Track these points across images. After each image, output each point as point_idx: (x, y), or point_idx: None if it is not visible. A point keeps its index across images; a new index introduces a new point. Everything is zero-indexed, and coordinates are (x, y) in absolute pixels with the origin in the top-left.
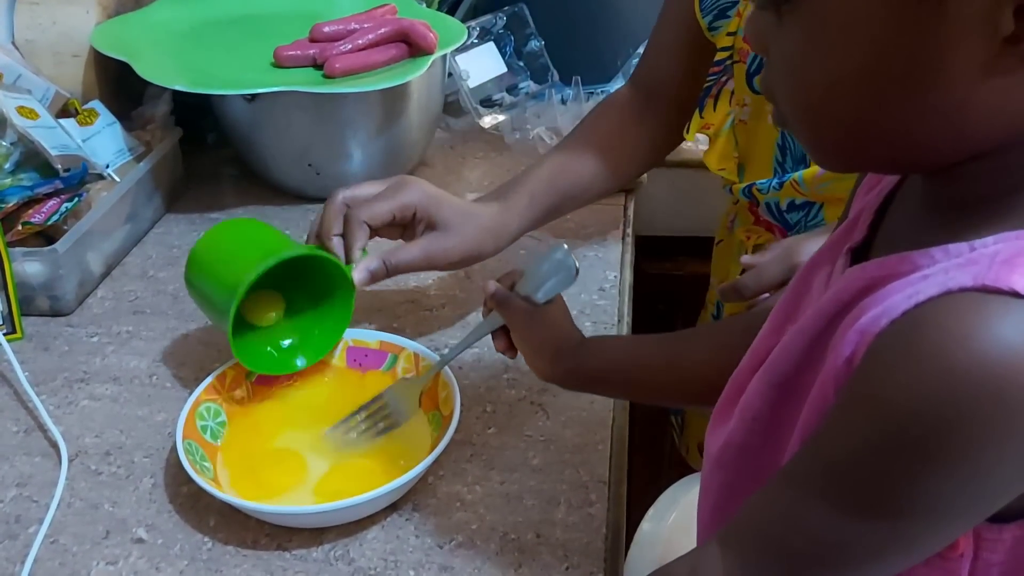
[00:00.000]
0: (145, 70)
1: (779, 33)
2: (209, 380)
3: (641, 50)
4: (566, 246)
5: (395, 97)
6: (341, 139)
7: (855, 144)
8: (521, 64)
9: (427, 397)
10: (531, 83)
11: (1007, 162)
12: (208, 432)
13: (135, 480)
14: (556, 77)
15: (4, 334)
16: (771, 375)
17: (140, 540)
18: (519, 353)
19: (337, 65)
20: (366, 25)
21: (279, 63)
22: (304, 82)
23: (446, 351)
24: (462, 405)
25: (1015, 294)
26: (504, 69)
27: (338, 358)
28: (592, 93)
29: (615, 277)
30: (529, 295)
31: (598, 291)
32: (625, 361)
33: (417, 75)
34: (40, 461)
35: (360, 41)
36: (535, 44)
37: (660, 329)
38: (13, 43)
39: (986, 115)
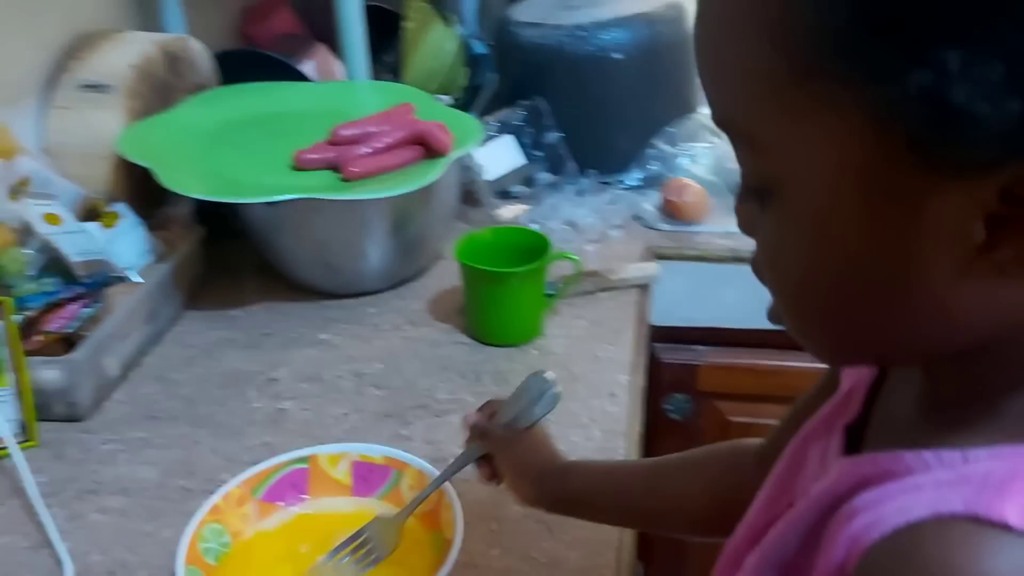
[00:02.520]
0: (167, 177)
1: (763, 220)
2: (214, 499)
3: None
4: (548, 373)
5: (411, 198)
6: (358, 240)
7: (838, 339)
8: (539, 155)
9: (429, 517)
10: (548, 175)
11: (1006, 356)
12: (211, 555)
13: None
14: (574, 168)
15: (20, 443)
16: (769, 557)
17: None
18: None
19: (355, 169)
20: (384, 128)
21: (299, 166)
22: (322, 186)
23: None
24: (466, 522)
25: (1006, 527)
26: (523, 161)
27: (344, 474)
28: (609, 183)
29: (627, 381)
30: (510, 422)
31: (608, 396)
32: (607, 487)
33: (432, 179)
34: None
35: (377, 144)
36: (553, 136)
37: (674, 437)
38: (44, 148)
39: (971, 312)
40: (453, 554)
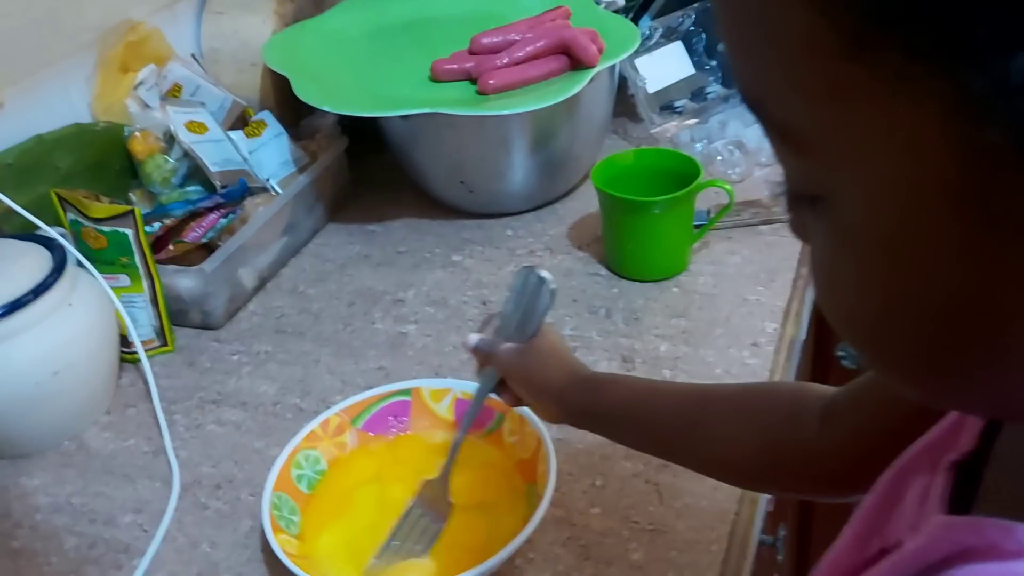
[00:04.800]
0: (302, 88)
1: (815, 227)
2: (312, 426)
3: None
4: (537, 269)
5: (553, 113)
6: (494, 158)
7: (931, 390)
8: (712, 64)
9: (527, 467)
10: (720, 87)
11: None
12: (304, 482)
13: (236, 519)
14: None
15: (156, 347)
16: None
17: None
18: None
19: (491, 81)
20: (527, 36)
21: (436, 77)
22: (457, 98)
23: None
24: (568, 474)
25: None
26: (691, 71)
27: (447, 410)
28: None
29: (774, 330)
30: (512, 335)
31: (750, 346)
32: (643, 411)
33: (572, 93)
34: (159, 488)
35: (518, 54)
36: None
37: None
38: (196, 54)
39: None
40: (539, 512)
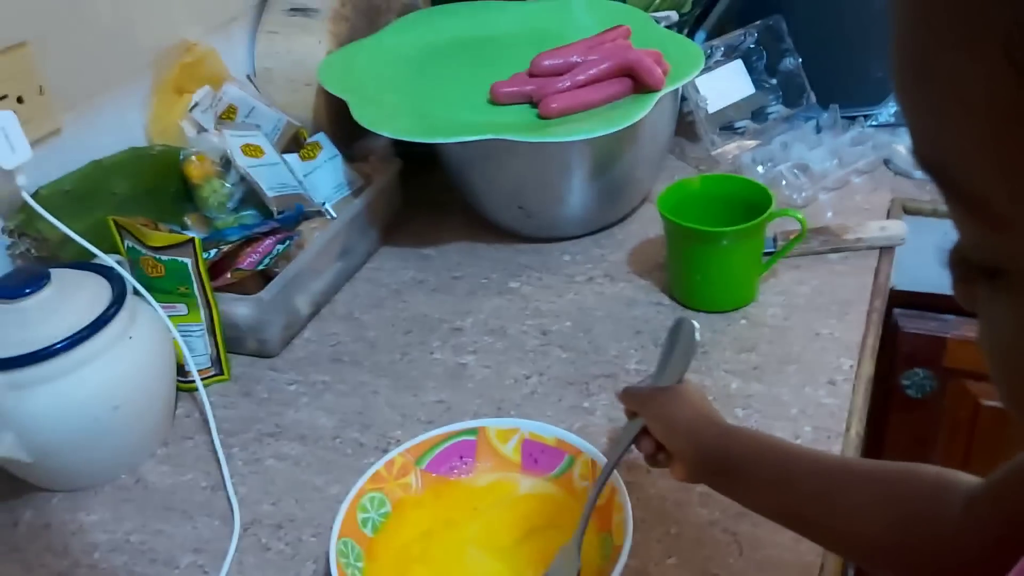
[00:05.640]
0: (360, 112)
1: (991, 299)
2: (376, 467)
3: None
4: (689, 319)
5: (615, 137)
6: (553, 183)
7: None
8: (773, 83)
9: (600, 515)
10: (781, 107)
11: None
12: (369, 525)
13: (299, 563)
14: (812, 100)
15: (212, 376)
16: None
17: None
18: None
19: (553, 105)
20: (590, 57)
21: (495, 99)
22: (517, 123)
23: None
24: (642, 520)
25: None
26: (751, 90)
27: (513, 451)
28: (854, 119)
29: (850, 367)
30: (660, 380)
31: (827, 384)
32: (770, 472)
33: (639, 118)
34: (218, 526)
35: (580, 77)
36: (791, 62)
37: (910, 418)
38: (251, 75)
39: None
40: (619, 566)
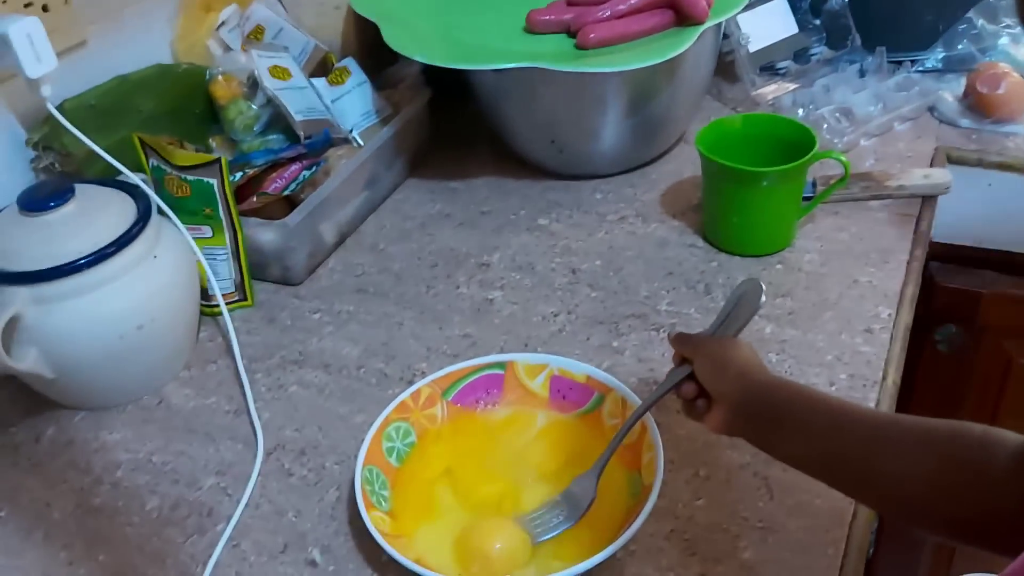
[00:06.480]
0: (392, 37)
1: None
2: (402, 397)
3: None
4: (759, 281)
5: (654, 72)
6: (588, 118)
7: None
8: (817, 23)
9: (629, 454)
10: (825, 48)
11: None
12: (394, 455)
13: (322, 489)
14: (857, 42)
15: (236, 301)
16: None
17: (313, 563)
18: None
19: (591, 35)
20: None
21: (531, 28)
22: (552, 53)
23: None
24: (671, 461)
25: None
26: (795, 30)
27: (541, 386)
28: (900, 63)
29: (889, 316)
30: (717, 331)
31: (863, 332)
32: (822, 416)
33: (680, 51)
34: (241, 450)
35: (620, 7)
36: (836, 2)
37: (940, 374)
38: None
39: None
40: (648, 506)
